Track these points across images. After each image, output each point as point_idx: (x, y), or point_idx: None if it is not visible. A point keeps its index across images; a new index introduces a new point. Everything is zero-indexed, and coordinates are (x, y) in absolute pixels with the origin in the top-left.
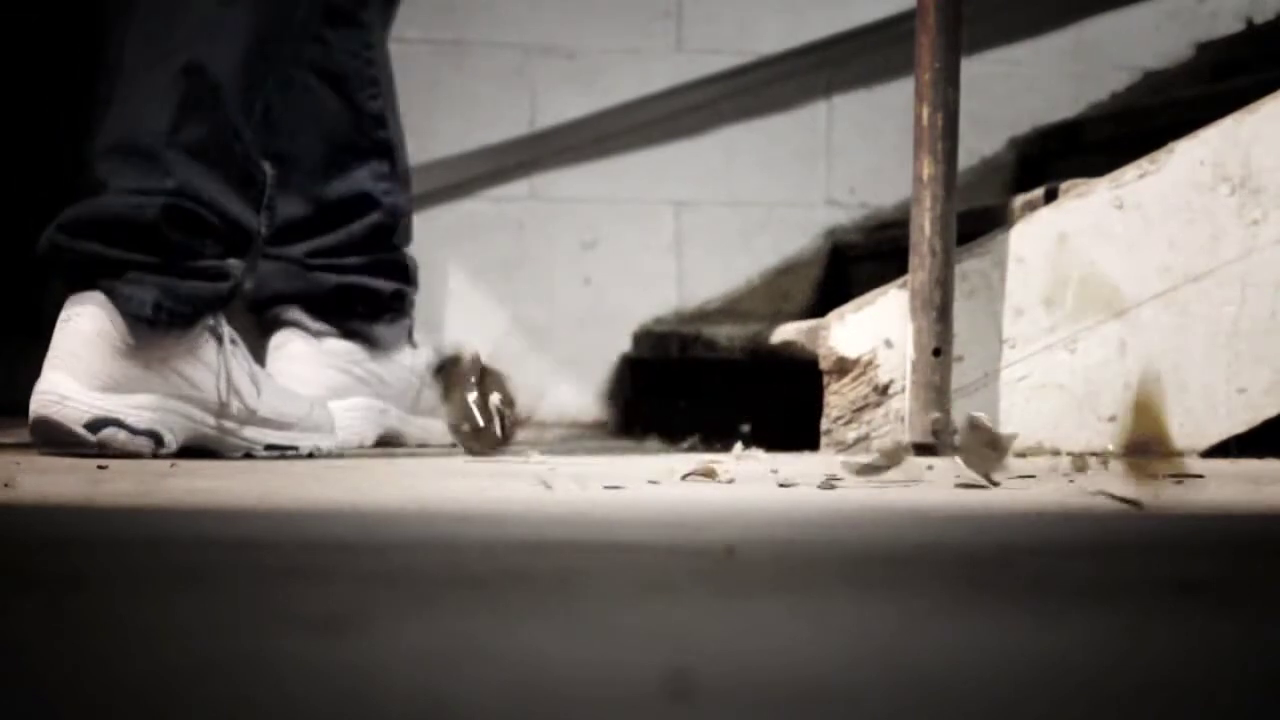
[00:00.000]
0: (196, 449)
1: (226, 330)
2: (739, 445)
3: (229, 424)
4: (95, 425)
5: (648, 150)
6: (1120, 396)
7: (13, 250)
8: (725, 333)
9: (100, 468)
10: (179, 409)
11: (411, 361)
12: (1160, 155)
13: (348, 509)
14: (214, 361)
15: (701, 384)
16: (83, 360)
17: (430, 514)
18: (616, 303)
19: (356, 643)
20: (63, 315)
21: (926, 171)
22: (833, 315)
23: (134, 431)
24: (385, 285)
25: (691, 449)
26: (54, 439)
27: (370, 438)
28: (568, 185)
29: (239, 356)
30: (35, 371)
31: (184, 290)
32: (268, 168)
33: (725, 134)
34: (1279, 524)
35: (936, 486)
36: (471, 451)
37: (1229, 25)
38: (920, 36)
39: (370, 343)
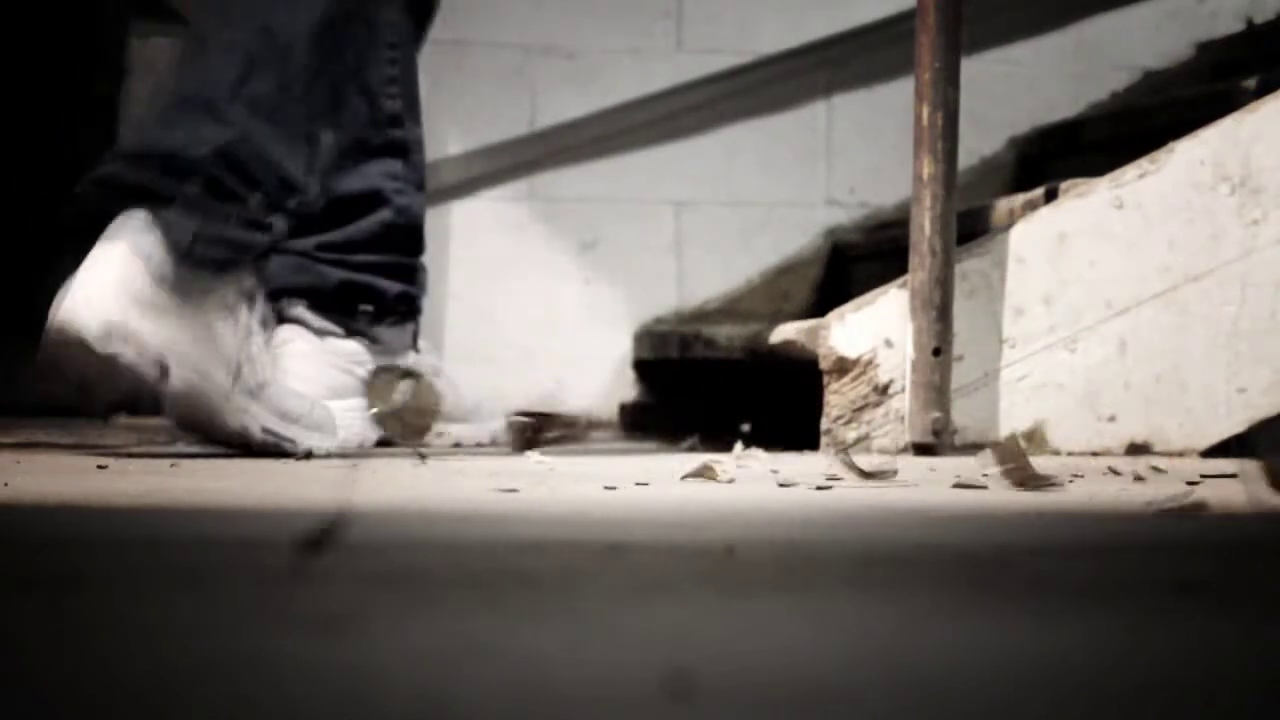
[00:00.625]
0: (198, 404)
1: (260, 302)
2: (739, 445)
3: (236, 388)
4: (107, 336)
5: (648, 150)
6: (1120, 396)
7: (13, 250)
8: (725, 332)
9: (100, 467)
10: (193, 350)
11: (416, 365)
12: (1160, 155)
13: (347, 507)
14: (240, 322)
15: (701, 384)
16: (114, 273)
17: (430, 514)
18: (616, 303)
19: (356, 643)
20: (105, 234)
21: (926, 171)
22: (833, 315)
23: (143, 353)
24: (391, 286)
25: (691, 449)
26: (62, 343)
27: (371, 438)
28: (568, 185)
29: (262, 336)
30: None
31: (224, 233)
32: (329, 137)
33: (725, 134)
34: (1279, 524)
35: (936, 486)
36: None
37: (1229, 25)
38: (920, 36)
39: (374, 344)
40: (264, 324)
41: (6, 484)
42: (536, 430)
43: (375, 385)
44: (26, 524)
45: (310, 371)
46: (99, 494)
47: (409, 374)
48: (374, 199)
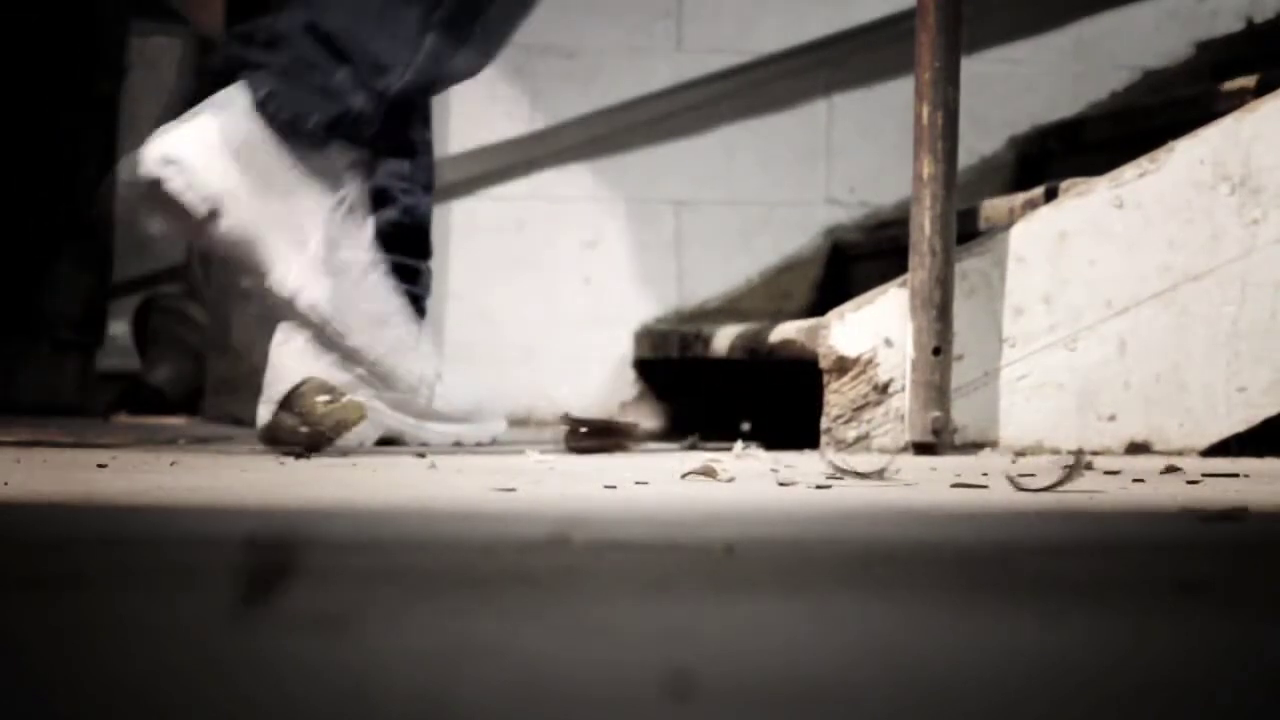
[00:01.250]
0: (244, 256)
1: (355, 184)
2: (739, 444)
3: (296, 250)
4: (160, 161)
5: (648, 150)
6: (1120, 396)
7: (13, 250)
8: (725, 332)
9: (100, 466)
10: (254, 204)
11: (418, 365)
12: (1160, 154)
13: (347, 507)
14: (320, 203)
15: (701, 383)
16: (190, 123)
17: (431, 513)
18: (617, 302)
19: (356, 642)
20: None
21: (926, 170)
22: (833, 314)
23: (192, 187)
24: (395, 286)
25: (692, 447)
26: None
27: (371, 438)
28: (568, 184)
29: (351, 218)
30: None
31: (302, 99)
32: (431, 40)
33: (725, 133)
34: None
35: (936, 486)
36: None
37: (1229, 24)
38: (920, 35)
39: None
40: (353, 208)
41: (6, 483)
42: (591, 436)
43: (303, 393)
44: (26, 523)
45: (313, 371)
46: (99, 493)
47: (332, 390)
48: (379, 197)
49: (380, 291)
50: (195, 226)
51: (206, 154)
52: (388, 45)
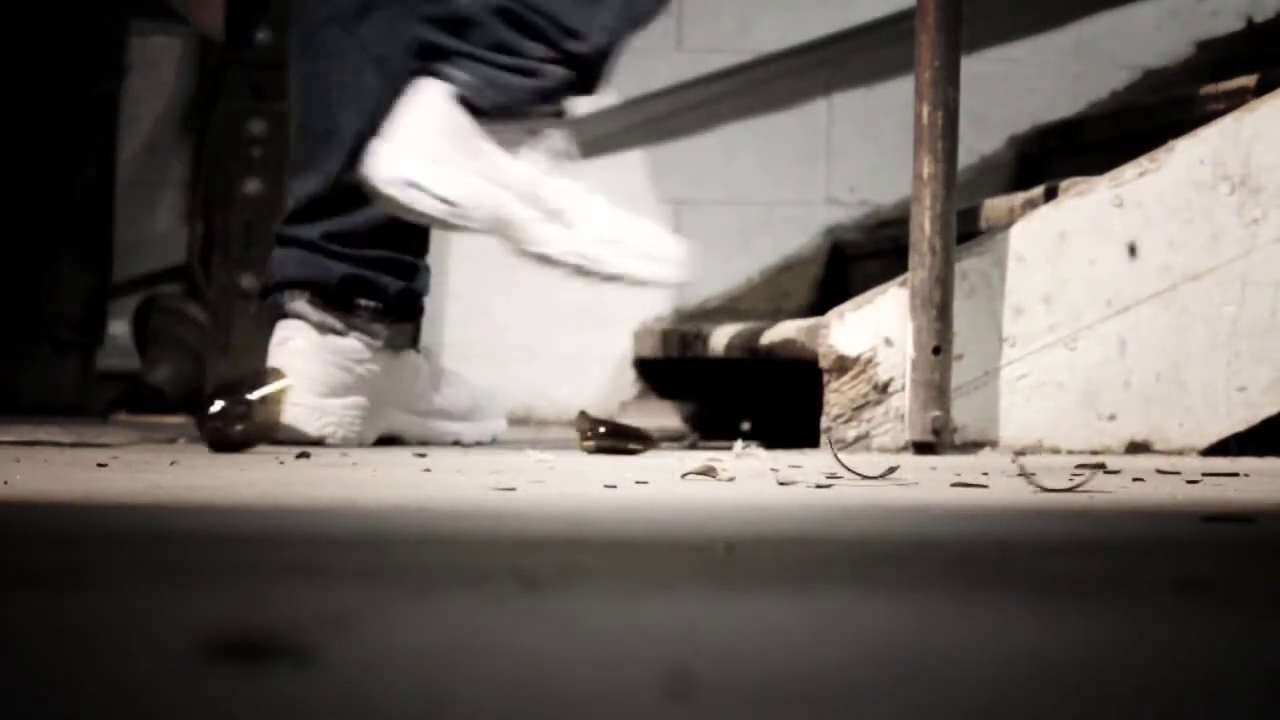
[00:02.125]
0: (503, 231)
1: (561, 138)
2: (739, 443)
3: (530, 213)
4: (395, 182)
5: (648, 149)
6: (1120, 395)
7: (13, 250)
8: (725, 331)
9: (100, 465)
10: (482, 189)
11: (414, 363)
12: (1160, 154)
13: (347, 506)
14: (523, 163)
15: (702, 382)
16: (404, 127)
17: (430, 511)
18: (617, 301)
19: (356, 641)
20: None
21: (926, 170)
22: (833, 313)
23: (432, 196)
24: (393, 283)
25: (692, 447)
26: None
27: (370, 437)
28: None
29: (558, 170)
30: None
31: (500, 80)
32: None
33: (725, 133)
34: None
35: (936, 485)
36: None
37: (1229, 24)
38: (920, 35)
39: (373, 341)
40: (558, 156)
41: (6, 482)
42: (608, 436)
43: (234, 387)
44: (26, 522)
45: (312, 370)
46: (99, 492)
47: (258, 386)
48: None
49: (604, 213)
50: (439, 222)
51: (430, 166)
52: (576, 9)
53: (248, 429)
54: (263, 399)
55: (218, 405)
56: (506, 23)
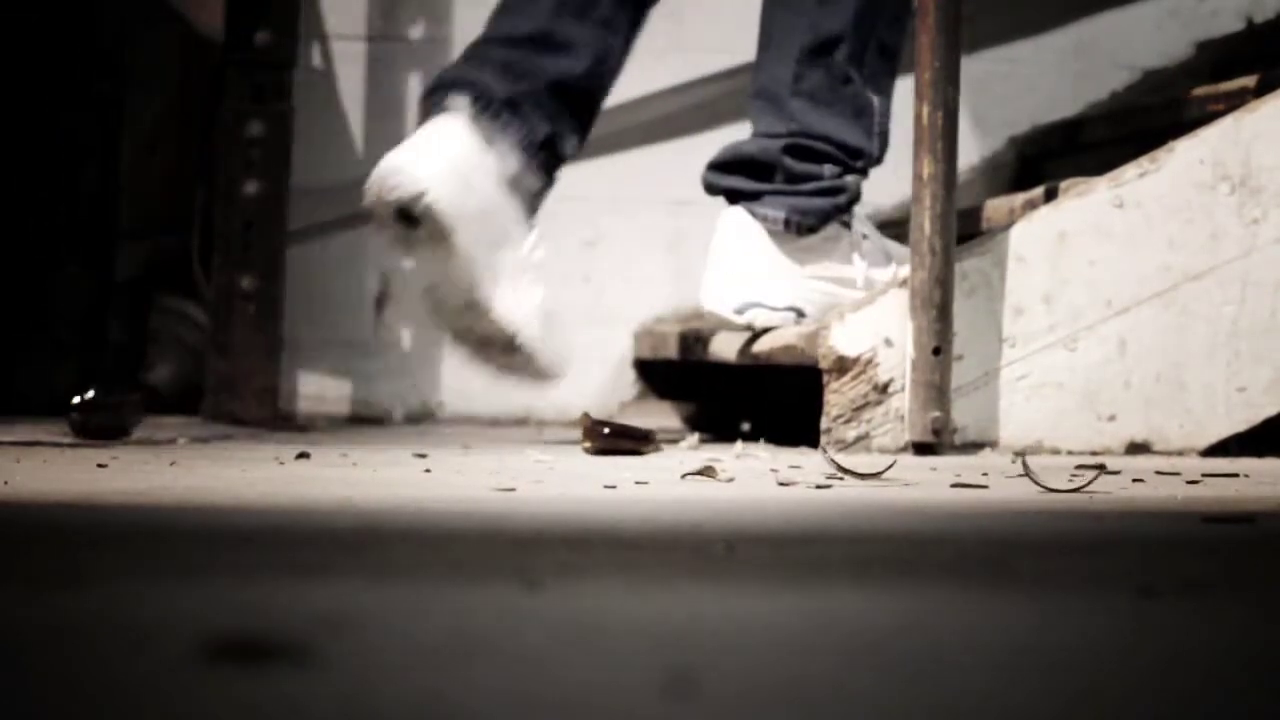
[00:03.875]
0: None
1: (857, 223)
2: (739, 443)
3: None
4: (742, 309)
5: (648, 150)
6: (1120, 396)
7: (13, 250)
8: (725, 332)
9: (100, 465)
10: (817, 287)
11: None
12: (1160, 154)
13: (347, 506)
14: (845, 249)
15: (701, 382)
16: (729, 258)
17: (430, 512)
18: (616, 301)
19: (356, 641)
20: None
21: (926, 170)
22: (832, 314)
23: (774, 309)
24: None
25: (692, 447)
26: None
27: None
28: (568, 184)
29: (870, 241)
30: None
31: (807, 206)
32: (876, 101)
33: (725, 133)
34: None
35: (936, 485)
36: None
37: (1229, 24)
38: (920, 36)
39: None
40: (865, 237)
41: (6, 482)
42: (611, 437)
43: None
44: (26, 522)
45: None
46: (99, 492)
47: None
48: None
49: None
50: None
51: (767, 283)
52: (849, 129)
53: (104, 421)
54: (125, 401)
55: (88, 395)
56: (797, 158)
